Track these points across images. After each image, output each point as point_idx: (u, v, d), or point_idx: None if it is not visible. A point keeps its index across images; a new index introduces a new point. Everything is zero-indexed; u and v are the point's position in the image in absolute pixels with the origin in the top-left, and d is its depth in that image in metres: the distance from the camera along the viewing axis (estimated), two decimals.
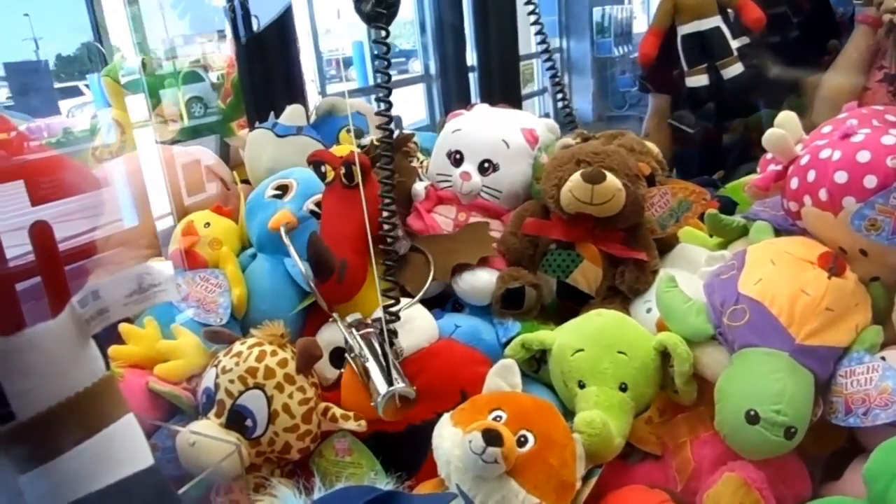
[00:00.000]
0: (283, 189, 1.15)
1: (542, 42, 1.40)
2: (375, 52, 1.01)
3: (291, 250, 1.04)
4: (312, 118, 1.35)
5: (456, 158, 1.12)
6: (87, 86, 2.05)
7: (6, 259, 0.78)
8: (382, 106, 1.02)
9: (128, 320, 1.07)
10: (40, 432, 0.46)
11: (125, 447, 0.49)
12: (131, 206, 1.32)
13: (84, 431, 0.47)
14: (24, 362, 0.45)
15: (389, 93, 1.02)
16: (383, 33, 1.01)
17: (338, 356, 1.00)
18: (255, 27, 1.60)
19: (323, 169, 1.05)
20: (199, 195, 1.33)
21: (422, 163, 1.24)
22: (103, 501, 0.46)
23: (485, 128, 1.13)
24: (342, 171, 1.03)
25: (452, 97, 3.52)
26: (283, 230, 1.06)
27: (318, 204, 1.10)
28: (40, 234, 0.50)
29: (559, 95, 1.49)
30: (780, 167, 0.96)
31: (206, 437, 0.86)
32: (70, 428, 0.46)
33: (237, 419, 0.90)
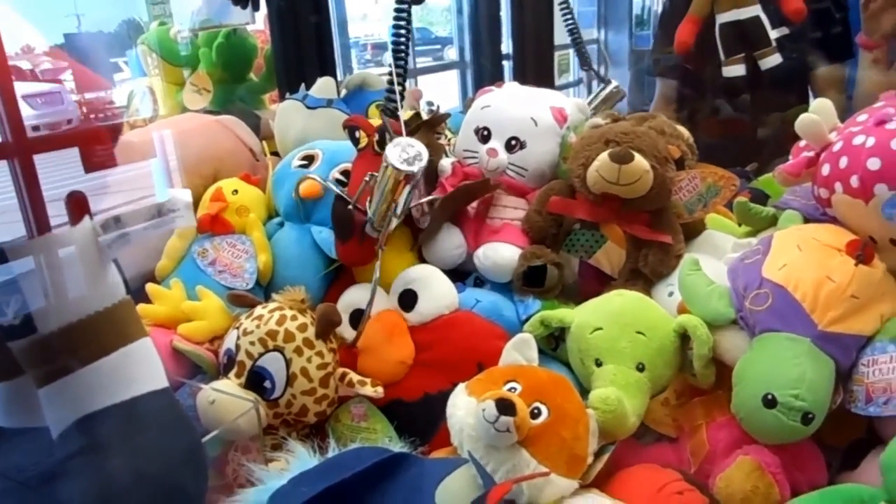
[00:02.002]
0: (310, 159, 1.16)
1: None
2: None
3: None
4: (343, 92, 1.36)
5: (483, 135, 1.12)
6: (125, 62, 2.10)
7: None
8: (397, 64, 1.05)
9: (155, 281, 1.10)
10: (59, 347, 0.48)
11: (140, 367, 0.51)
12: (164, 177, 1.34)
13: (101, 349, 0.48)
14: (47, 276, 0.46)
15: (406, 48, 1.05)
16: None
17: (358, 318, 1.01)
18: None
19: (357, 134, 1.07)
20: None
21: (449, 140, 1.24)
22: (116, 415, 0.48)
23: (514, 105, 1.12)
24: (376, 137, 1.04)
25: (486, 84, 3.51)
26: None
27: (343, 173, 1.11)
28: (76, 204, 0.51)
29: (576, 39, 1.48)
30: (812, 154, 0.95)
31: (226, 394, 0.88)
32: (88, 345, 0.48)
33: (256, 380, 0.92)
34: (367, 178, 1.01)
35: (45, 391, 0.49)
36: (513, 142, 1.10)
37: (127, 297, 0.51)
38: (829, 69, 1.78)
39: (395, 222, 1.00)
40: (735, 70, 1.68)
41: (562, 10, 1.44)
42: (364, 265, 1.05)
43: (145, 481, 0.50)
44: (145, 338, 0.51)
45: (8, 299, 0.45)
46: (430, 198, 1.09)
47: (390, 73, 1.08)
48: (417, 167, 0.96)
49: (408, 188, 0.98)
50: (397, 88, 1.06)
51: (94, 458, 0.49)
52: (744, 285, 0.86)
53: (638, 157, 0.96)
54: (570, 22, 1.53)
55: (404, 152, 0.96)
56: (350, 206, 1.01)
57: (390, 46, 1.09)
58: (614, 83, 1.58)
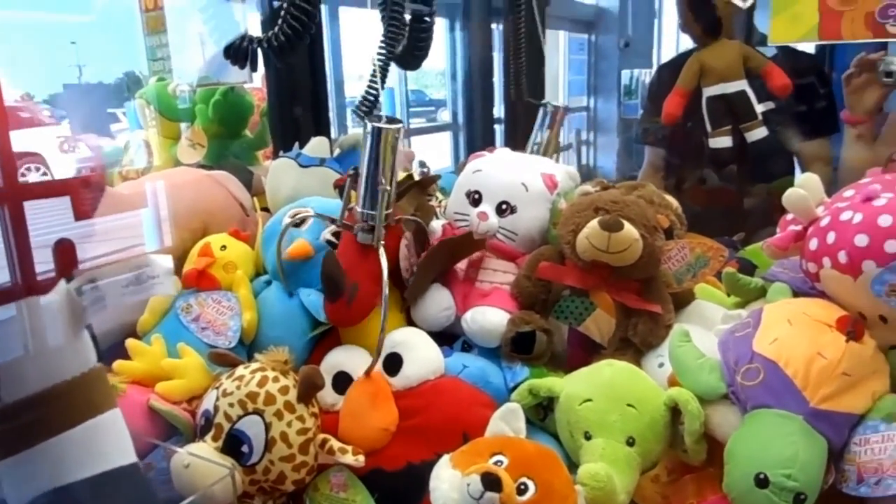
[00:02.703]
0: (301, 221, 1.16)
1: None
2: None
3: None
4: (336, 151, 1.37)
5: (474, 198, 1.12)
6: (124, 113, 2.12)
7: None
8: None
9: (136, 336, 1.08)
10: (25, 416, 0.45)
11: (110, 441, 0.48)
12: (154, 229, 1.33)
13: (70, 419, 0.46)
14: (15, 345, 0.44)
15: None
16: None
17: (341, 382, 0.99)
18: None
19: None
20: None
21: (440, 202, 1.25)
22: (84, 492, 0.45)
23: (505, 170, 1.13)
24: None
25: (477, 146, 3.58)
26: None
27: (335, 234, 1.11)
28: (63, 252, 0.50)
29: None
30: (799, 228, 0.96)
31: (202, 459, 0.85)
32: (56, 414, 0.45)
33: (234, 444, 0.89)
34: (350, 172, 1.02)
35: (6, 463, 0.46)
36: (503, 206, 1.11)
37: (98, 365, 0.49)
38: (816, 143, 1.82)
39: (387, 204, 0.98)
40: (721, 142, 1.71)
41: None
42: (353, 325, 1.04)
43: None
44: (115, 409, 0.49)
45: None
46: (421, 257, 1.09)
47: (372, 74, 1.10)
48: (398, 126, 0.96)
49: (393, 159, 0.98)
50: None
51: None
52: (735, 359, 0.86)
53: (627, 226, 0.96)
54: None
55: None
56: (340, 267, 0.99)
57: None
58: (551, 103, 1.60)
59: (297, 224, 1.14)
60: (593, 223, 0.97)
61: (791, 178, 1.89)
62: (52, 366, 0.46)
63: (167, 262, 0.52)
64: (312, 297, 1.05)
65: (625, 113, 7.01)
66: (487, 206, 1.11)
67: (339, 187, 1.09)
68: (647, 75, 7.16)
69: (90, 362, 0.48)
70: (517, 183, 1.11)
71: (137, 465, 0.50)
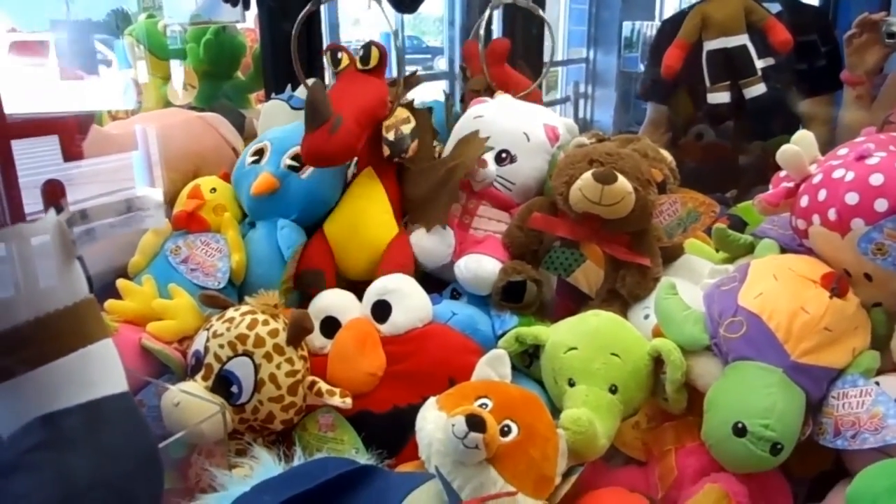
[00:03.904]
0: (260, 153, 1.16)
1: None
2: None
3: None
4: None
5: None
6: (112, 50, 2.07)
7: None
8: None
9: (127, 277, 1.08)
10: (14, 344, 0.46)
11: (99, 370, 0.49)
12: (144, 171, 1.32)
13: (59, 349, 0.47)
14: (6, 269, 0.45)
15: None
16: None
17: (329, 326, 1.00)
18: None
19: (339, 55, 1.10)
20: None
21: (436, 148, 1.24)
22: (72, 419, 0.46)
23: (507, 118, 1.12)
24: (360, 53, 1.07)
25: None
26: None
27: (294, 157, 1.12)
28: (51, 193, 0.50)
29: None
30: (791, 185, 0.96)
31: (192, 396, 0.86)
32: (46, 343, 0.46)
33: (223, 384, 0.90)
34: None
35: None
36: (503, 154, 1.10)
37: (90, 296, 0.49)
38: (818, 102, 1.80)
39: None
40: (720, 97, 1.69)
41: None
42: (331, 163, 1.03)
43: (99, 485, 0.49)
44: (107, 339, 0.49)
45: None
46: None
47: None
48: None
49: None
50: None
51: (47, 458, 0.47)
52: (719, 312, 0.87)
53: (621, 179, 0.96)
54: None
55: None
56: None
57: None
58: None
59: (258, 160, 1.14)
60: (587, 175, 0.97)
61: (787, 138, 1.88)
62: (42, 296, 0.47)
63: (157, 195, 0.51)
64: (285, 231, 1.06)
65: (624, 66, 6.90)
66: (487, 154, 1.10)
67: (330, 51, 1.14)
68: (649, 28, 7.05)
69: (82, 293, 0.49)
70: (519, 132, 1.10)
71: (128, 394, 0.51)
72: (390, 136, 1.08)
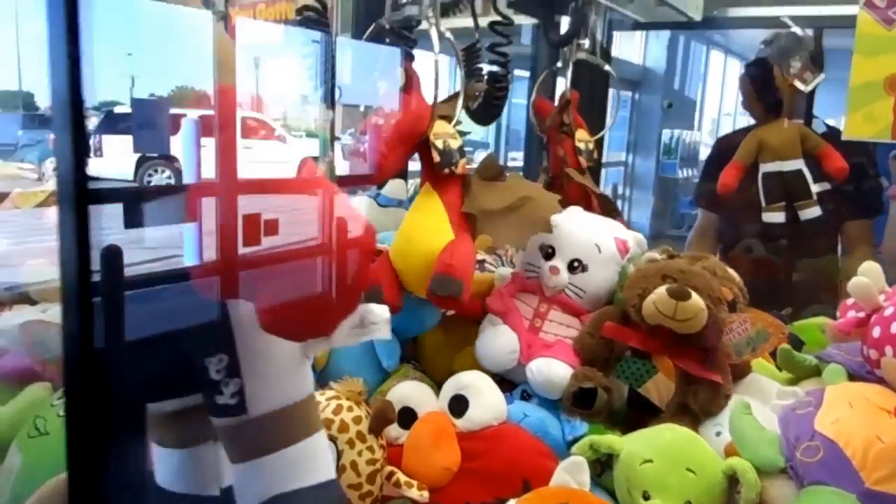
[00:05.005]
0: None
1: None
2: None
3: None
4: (410, 192, 1.44)
5: (548, 252, 1.18)
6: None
7: None
8: None
9: None
10: (261, 429, 0.52)
11: (319, 457, 0.54)
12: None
13: (293, 436, 0.52)
14: (264, 366, 0.51)
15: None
16: None
17: (405, 417, 1.03)
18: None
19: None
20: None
21: (507, 251, 1.30)
22: (303, 499, 0.51)
23: (581, 229, 1.19)
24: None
25: None
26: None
27: None
28: None
29: None
30: (861, 314, 0.99)
31: None
32: (283, 431, 0.52)
33: None
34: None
35: (240, 468, 0.53)
36: (575, 263, 1.16)
37: (313, 391, 0.56)
38: (860, 224, 1.86)
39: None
40: (774, 216, 1.76)
41: None
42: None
43: None
44: (322, 430, 0.55)
45: (228, 381, 0.50)
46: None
47: None
48: None
49: None
50: None
51: None
52: (795, 435, 0.89)
53: (695, 296, 1.01)
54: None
55: None
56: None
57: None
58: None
59: None
60: (661, 290, 1.02)
61: (836, 258, 1.93)
62: (288, 389, 0.53)
63: (385, 311, 0.58)
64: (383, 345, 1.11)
65: (662, 171, 7.08)
66: (560, 262, 1.16)
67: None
68: (688, 136, 7.26)
69: (310, 388, 0.55)
70: (591, 243, 1.16)
71: (336, 480, 0.56)
72: (439, 143, 1.14)
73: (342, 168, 1.06)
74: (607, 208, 1.41)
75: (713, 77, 8.62)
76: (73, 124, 0.33)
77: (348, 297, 0.50)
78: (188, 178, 1.03)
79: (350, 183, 1.15)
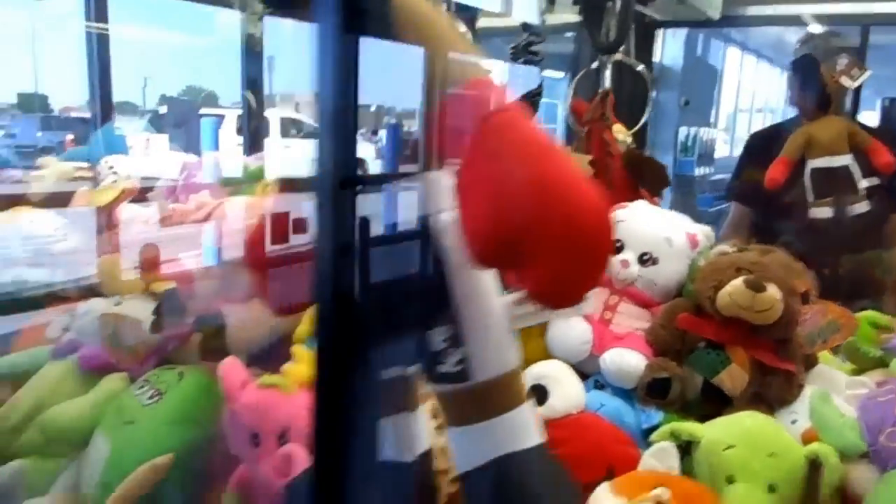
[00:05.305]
0: None
1: None
2: None
3: None
4: None
5: (616, 247, 1.20)
6: None
7: None
8: None
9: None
10: (482, 396, 0.56)
11: (529, 424, 0.58)
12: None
13: (509, 404, 0.56)
14: (487, 333, 0.55)
15: None
16: None
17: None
18: None
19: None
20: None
21: None
22: (519, 461, 0.55)
23: (649, 223, 1.22)
24: None
25: None
26: None
27: None
28: None
29: None
30: None
31: None
32: (502, 398, 0.56)
33: None
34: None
35: (458, 431, 0.57)
36: (645, 256, 1.18)
37: (519, 364, 0.59)
38: None
39: None
40: (822, 212, 1.78)
41: None
42: None
43: None
44: (526, 403, 0.58)
45: (454, 350, 0.54)
46: None
47: None
48: None
49: None
50: None
51: (512, 493, 0.57)
52: (878, 421, 0.91)
53: (771, 287, 1.03)
54: None
55: None
56: None
57: None
58: None
59: None
60: (737, 282, 1.04)
61: (880, 252, 1.94)
62: (505, 357, 0.57)
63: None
64: None
65: (679, 169, 7.07)
66: (630, 255, 1.19)
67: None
68: (705, 133, 7.25)
69: (517, 358, 0.58)
70: (661, 237, 1.19)
71: (545, 445, 0.60)
72: None
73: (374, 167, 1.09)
74: (656, 178, 1.45)
75: (729, 74, 8.63)
76: (341, 126, 0.37)
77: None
78: None
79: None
